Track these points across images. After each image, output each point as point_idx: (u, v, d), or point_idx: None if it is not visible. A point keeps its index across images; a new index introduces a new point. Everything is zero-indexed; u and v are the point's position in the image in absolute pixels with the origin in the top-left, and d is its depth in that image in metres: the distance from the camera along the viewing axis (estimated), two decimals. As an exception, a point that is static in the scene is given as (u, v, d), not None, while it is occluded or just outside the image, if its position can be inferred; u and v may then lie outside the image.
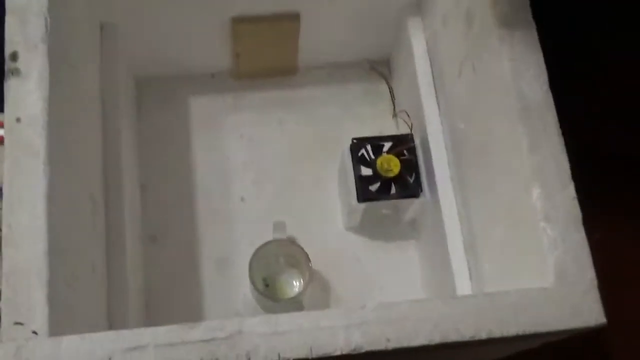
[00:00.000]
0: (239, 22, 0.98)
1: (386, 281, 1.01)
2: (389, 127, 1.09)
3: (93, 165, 0.83)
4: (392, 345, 0.60)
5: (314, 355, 0.60)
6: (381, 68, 1.13)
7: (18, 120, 0.66)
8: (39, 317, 0.61)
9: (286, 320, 0.60)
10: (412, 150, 0.94)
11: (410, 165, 0.93)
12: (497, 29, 0.72)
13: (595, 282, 0.64)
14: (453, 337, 0.61)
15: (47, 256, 0.63)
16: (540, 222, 0.66)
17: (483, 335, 0.61)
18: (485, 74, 0.76)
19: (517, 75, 0.70)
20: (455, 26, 0.85)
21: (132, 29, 0.96)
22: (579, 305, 0.63)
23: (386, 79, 1.12)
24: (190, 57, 1.07)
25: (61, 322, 0.63)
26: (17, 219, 0.63)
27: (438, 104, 0.94)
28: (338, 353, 0.60)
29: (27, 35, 0.69)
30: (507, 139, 0.72)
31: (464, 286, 0.85)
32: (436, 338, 0.61)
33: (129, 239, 0.88)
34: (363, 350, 0.60)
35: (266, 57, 1.06)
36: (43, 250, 0.63)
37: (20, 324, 0.60)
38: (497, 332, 0.61)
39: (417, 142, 0.95)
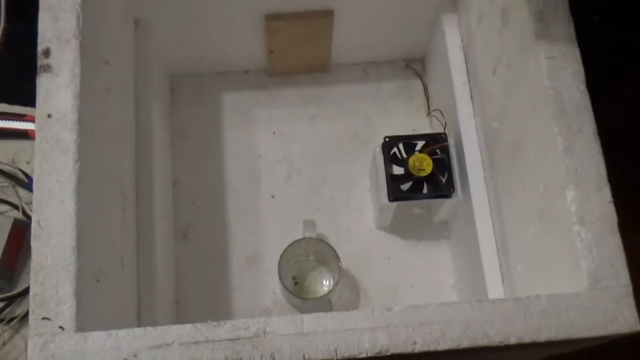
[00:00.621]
0: (273, 19, 0.97)
1: (417, 281, 0.99)
2: (423, 125, 1.07)
3: (125, 161, 0.83)
4: (418, 348, 0.59)
5: (339, 357, 0.59)
6: (416, 66, 1.12)
7: (49, 116, 0.66)
8: (67, 312, 0.61)
9: (312, 321, 0.60)
10: (445, 150, 0.92)
11: (442, 165, 0.92)
12: (534, 25, 0.71)
13: (630, 288, 0.62)
14: (482, 341, 0.60)
15: (75, 252, 0.63)
16: (574, 226, 0.64)
17: (512, 341, 0.60)
18: (521, 72, 0.74)
19: (554, 73, 0.68)
20: (490, 23, 0.83)
21: (166, 25, 0.96)
22: (612, 311, 0.61)
23: (420, 76, 1.11)
24: (224, 54, 1.06)
25: (89, 318, 0.63)
26: (46, 215, 0.63)
27: (472, 102, 0.92)
28: (363, 355, 0.59)
29: (60, 31, 0.69)
30: (541, 139, 0.70)
31: (495, 287, 0.83)
32: (464, 342, 0.60)
33: (159, 234, 0.88)
34: (389, 353, 0.59)
35: (299, 54, 1.06)
36: (72, 246, 0.63)
37: (48, 319, 0.60)
38: (527, 337, 0.60)
39: (451, 141, 0.93)
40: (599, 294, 0.62)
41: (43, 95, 0.67)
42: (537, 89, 0.70)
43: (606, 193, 0.65)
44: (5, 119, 1.04)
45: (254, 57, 1.07)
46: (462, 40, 0.95)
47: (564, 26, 0.70)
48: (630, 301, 0.61)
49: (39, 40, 0.69)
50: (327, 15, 0.98)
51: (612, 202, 0.64)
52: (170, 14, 0.95)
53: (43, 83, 0.68)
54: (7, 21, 1.09)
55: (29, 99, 1.02)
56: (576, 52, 0.69)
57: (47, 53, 0.68)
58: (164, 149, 0.99)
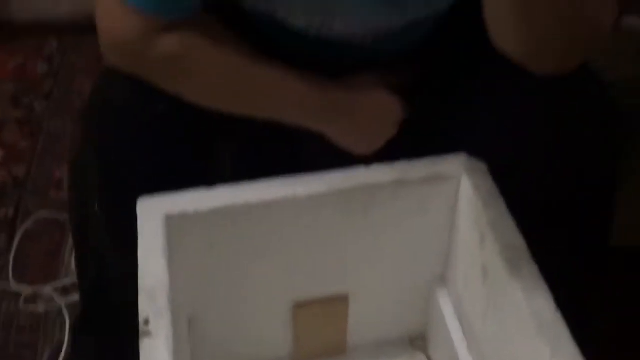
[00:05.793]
0: (299, 306, 1.18)
1: None
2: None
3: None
4: None
5: None
6: (418, 342, 1.31)
7: (151, 372, 0.85)
8: None
9: None
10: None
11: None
12: (508, 273, 0.95)
13: None
14: None
15: None
16: None
17: None
18: (504, 307, 0.96)
19: (530, 301, 0.91)
20: (474, 282, 1.07)
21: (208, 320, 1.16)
22: None
23: (424, 351, 1.30)
24: (252, 343, 1.22)
25: None
26: None
27: (470, 354, 1.11)
28: None
29: (156, 306, 0.91)
30: (529, 354, 0.89)
31: None
32: None
33: None
34: None
35: (321, 338, 1.24)
36: None
37: None
38: None
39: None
40: None
41: (145, 356, 0.87)
42: (520, 316, 0.91)
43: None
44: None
45: (281, 344, 1.25)
46: (454, 308, 1.18)
47: (530, 267, 0.94)
48: None
49: (140, 313, 0.90)
50: (343, 300, 1.20)
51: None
52: (213, 310, 1.16)
53: (145, 346, 0.87)
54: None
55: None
56: (543, 284, 0.92)
57: (147, 322, 0.89)
58: None
